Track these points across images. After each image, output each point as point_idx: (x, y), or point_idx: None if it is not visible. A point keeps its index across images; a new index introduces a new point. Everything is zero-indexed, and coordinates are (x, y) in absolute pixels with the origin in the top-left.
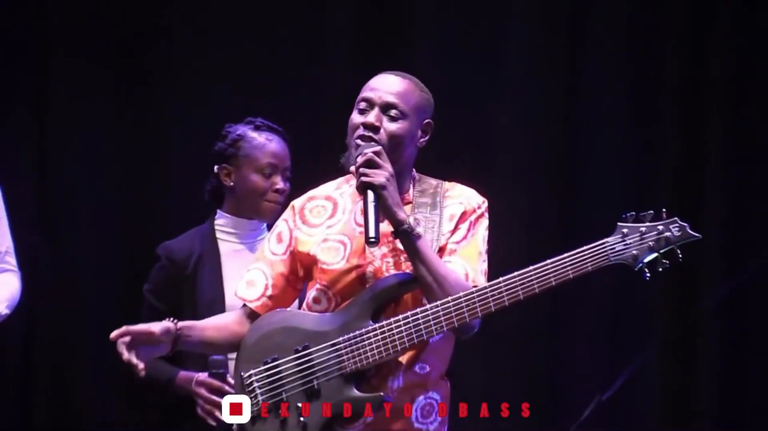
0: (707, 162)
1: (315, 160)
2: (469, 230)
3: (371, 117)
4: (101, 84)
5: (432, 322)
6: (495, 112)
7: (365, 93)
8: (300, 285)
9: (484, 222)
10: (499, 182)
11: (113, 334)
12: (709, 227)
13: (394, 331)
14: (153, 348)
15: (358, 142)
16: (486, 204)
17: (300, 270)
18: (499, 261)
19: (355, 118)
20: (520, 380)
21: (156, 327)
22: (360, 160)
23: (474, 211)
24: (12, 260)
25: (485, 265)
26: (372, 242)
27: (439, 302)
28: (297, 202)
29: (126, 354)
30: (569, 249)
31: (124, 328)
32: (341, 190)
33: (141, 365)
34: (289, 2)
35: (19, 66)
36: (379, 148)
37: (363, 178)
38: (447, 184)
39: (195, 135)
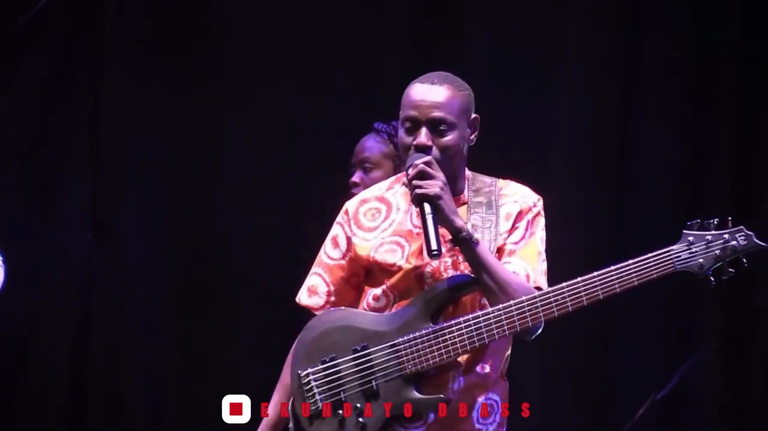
0: (765, 161)
1: None
2: (527, 230)
3: (422, 137)
4: (153, 84)
5: (494, 326)
6: (551, 110)
7: (409, 112)
8: (363, 285)
9: (541, 221)
10: (553, 180)
11: None
12: (764, 226)
13: (455, 334)
14: None
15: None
16: (541, 202)
17: (361, 272)
18: (552, 260)
19: (404, 138)
20: (576, 380)
21: None
22: (412, 172)
23: (530, 209)
24: None
25: (545, 265)
26: (435, 255)
27: (501, 305)
28: (350, 206)
29: None
30: (624, 247)
31: None
32: (393, 190)
33: None
34: (345, 1)
35: (71, 67)
36: (429, 158)
37: (417, 191)
38: (501, 182)
39: (246, 133)
